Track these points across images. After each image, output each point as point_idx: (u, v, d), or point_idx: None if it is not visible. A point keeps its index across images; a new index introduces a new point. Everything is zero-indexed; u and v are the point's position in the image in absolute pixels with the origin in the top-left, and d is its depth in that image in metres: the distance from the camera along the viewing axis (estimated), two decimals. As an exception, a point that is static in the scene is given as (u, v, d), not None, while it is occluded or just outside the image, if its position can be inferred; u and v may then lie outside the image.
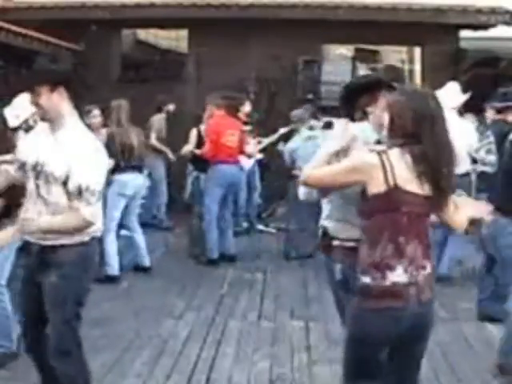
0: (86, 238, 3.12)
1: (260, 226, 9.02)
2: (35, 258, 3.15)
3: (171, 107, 9.29)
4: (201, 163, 7.20)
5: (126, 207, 6.46)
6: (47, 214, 3.06)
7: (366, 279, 2.55)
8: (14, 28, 8.27)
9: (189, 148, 7.40)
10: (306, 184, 2.82)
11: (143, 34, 12.39)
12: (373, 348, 2.60)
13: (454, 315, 5.35)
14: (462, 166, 6.04)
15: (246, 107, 8.09)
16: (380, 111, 2.74)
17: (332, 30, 10.01)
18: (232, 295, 5.96)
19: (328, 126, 7.49)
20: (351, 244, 2.92)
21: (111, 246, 6.27)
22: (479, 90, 6.77)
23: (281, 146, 8.13)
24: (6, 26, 8.07)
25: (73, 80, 3.23)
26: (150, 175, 8.59)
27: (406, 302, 2.53)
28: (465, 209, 2.78)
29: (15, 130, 4.36)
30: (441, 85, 6.55)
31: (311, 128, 7.49)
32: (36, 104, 3.09)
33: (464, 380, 4.08)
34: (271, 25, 9.80)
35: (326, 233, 3.13)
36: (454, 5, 10.12)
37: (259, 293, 6.06)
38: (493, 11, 10.05)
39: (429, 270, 2.61)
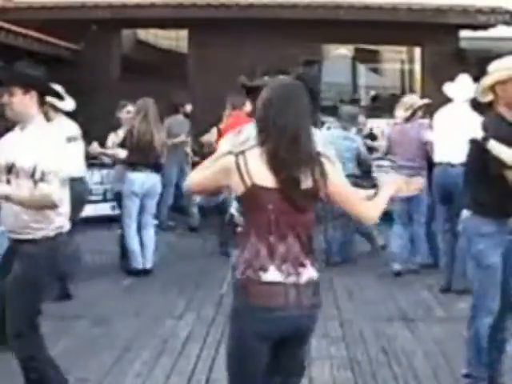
0: (52, 233, 3.33)
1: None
2: (12, 251, 3.40)
3: (188, 108, 9.15)
4: None
5: (141, 206, 6.60)
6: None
7: (240, 276, 2.53)
8: (14, 28, 8.28)
9: (210, 139, 7.47)
10: (189, 190, 2.78)
11: (143, 33, 12.38)
12: (248, 347, 2.52)
13: (452, 314, 5.35)
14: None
15: (247, 107, 8.10)
16: None
17: (332, 30, 10.03)
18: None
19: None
20: None
21: (132, 242, 6.49)
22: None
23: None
24: (6, 25, 8.08)
25: (45, 86, 3.50)
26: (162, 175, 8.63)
27: (281, 302, 2.46)
28: (378, 198, 2.71)
29: None
30: (441, 84, 6.55)
31: (345, 129, 7.30)
32: (9, 103, 3.34)
33: (462, 379, 4.08)
34: (271, 25, 9.81)
35: (232, 219, 3.22)
36: (454, 5, 10.14)
37: (259, 293, 6.06)
38: (493, 11, 10.07)
39: (311, 272, 2.53)
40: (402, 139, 6.64)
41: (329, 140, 7.26)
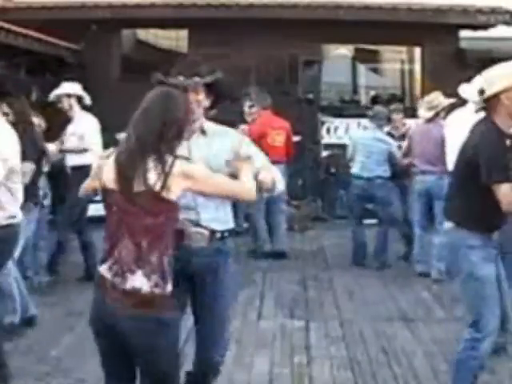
0: (4, 222, 3.57)
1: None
2: None
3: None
4: None
5: None
6: None
7: None
8: (14, 28, 8.27)
9: None
10: (81, 193, 2.99)
11: (143, 33, 12.39)
12: (94, 332, 2.67)
13: (453, 315, 5.35)
14: None
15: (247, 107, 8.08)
16: None
17: (332, 30, 10.02)
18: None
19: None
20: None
21: None
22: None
23: (346, 139, 8.03)
24: (6, 25, 8.07)
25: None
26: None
27: (104, 297, 2.58)
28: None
29: None
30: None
31: (381, 126, 7.16)
32: None
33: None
34: (271, 25, 9.81)
35: None
36: (454, 5, 10.13)
37: (259, 293, 6.07)
38: (493, 11, 10.06)
39: (140, 283, 2.50)
40: (422, 139, 6.49)
41: (359, 142, 7.20)
